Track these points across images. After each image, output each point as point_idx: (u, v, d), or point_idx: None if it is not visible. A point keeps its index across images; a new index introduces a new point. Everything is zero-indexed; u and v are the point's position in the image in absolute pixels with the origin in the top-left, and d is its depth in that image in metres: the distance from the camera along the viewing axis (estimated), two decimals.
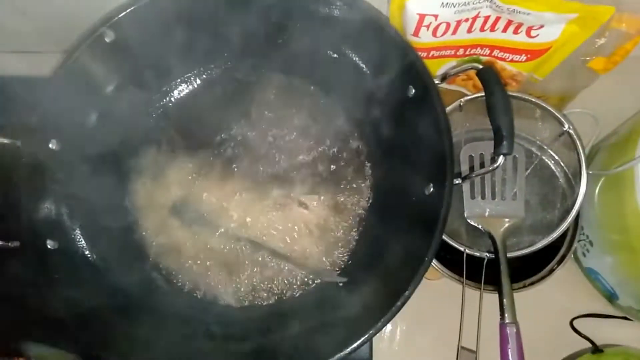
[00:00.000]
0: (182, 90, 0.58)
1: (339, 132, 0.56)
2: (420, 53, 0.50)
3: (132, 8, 0.48)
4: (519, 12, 0.46)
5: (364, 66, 0.52)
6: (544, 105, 0.55)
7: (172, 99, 0.57)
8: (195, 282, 0.52)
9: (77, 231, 0.49)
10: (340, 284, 0.51)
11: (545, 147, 0.59)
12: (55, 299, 0.44)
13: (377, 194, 0.54)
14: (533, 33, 0.49)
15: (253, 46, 0.55)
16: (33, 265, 0.45)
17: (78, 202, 0.49)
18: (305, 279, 0.52)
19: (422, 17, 0.49)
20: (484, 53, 0.55)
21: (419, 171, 0.47)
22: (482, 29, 0.51)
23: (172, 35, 0.51)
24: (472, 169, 0.56)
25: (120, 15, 0.48)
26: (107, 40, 0.48)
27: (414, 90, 0.47)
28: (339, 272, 0.53)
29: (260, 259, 0.52)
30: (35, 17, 0.60)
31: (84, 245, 0.49)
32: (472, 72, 0.50)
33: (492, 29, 0.51)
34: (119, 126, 0.53)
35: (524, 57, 0.53)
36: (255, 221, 0.53)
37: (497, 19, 0.49)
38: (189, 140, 0.56)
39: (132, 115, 0.55)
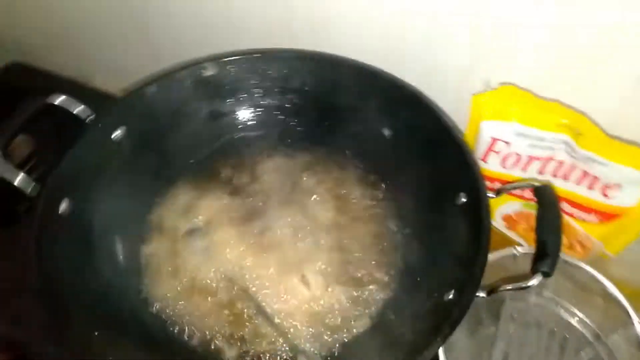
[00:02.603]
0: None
1: (376, 222, 0.52)
2: None
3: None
4: (595, 160, 0.44)
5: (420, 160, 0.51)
6: (611, 292, 0.49)
7: (229, 136, 0.59)
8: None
9: None
10: None
11: (602, 338, 0.50)
12: None
13: (394, 292, 0.48)
14: (609, 193, 0.46)
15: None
16: None
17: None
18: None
19: (494, 140, 0.49)
20: None
21: (443, 274, 0.42)
22: (554, 174, 0.49)
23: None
24: None
25: (226, 59, 0.54)
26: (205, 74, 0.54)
27: (464, 200, 0.45)
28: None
29: (246, 310, 0.47)
30: None
31: None
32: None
33: (566, 177, 0.48)
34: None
35: (594, 218, 0.49)
36: (252, 272, 0.49)
37: (572, 167, 0.47)
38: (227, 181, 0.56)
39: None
